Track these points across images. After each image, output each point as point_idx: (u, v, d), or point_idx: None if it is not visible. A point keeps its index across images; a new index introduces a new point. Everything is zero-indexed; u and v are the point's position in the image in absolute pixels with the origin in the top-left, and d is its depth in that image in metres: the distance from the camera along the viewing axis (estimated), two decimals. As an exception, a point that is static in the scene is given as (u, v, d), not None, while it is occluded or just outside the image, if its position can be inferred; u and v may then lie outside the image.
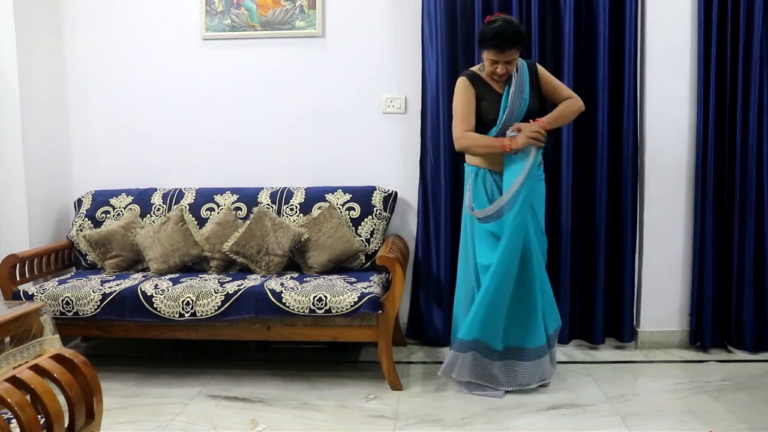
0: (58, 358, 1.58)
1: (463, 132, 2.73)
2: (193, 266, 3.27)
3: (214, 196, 3.42)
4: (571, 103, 2.77)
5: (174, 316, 2.83)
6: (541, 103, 2.81)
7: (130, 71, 3.61)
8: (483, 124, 2.74)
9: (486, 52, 2.62)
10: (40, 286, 2.98)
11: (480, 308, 2.67)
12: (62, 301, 2.88)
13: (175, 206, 3.39)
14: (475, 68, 2.80)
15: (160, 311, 2.83)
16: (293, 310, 2.77)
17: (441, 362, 3.15)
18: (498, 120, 2.67)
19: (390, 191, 3.38)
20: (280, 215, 3.30)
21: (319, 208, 3.30)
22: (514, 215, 2.61)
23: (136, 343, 3.46)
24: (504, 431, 2.44)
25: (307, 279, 2.99)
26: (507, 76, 2.66)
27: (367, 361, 3.18)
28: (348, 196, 3.33)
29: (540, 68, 2.79)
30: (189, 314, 2.82)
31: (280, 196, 3.38)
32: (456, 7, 3.25)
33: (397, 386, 2.82)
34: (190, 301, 2.82)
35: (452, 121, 2.80)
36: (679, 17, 3.17)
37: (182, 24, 3.55)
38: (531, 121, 2.69)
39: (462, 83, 2.75)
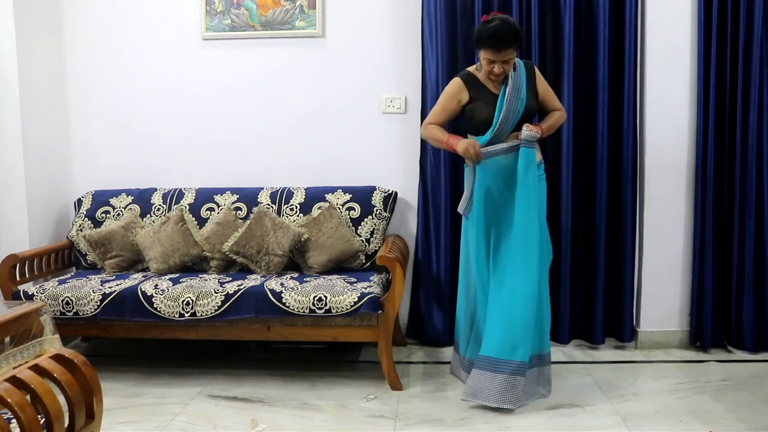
0: (58, 358, 1.58)
1: (427, 124, 2.83)
2: (193, 266, 3.27)
3: (214, 196, 3.42)
4: (561, 115, 2.85)
5: (174, 316, 2.83)
6: (537, 103, 2.81)
7: (130, 71, 3.61)
8: (476, 125, 2.73)
9: (483, 52, 2.62)
10: (40, 286, 2.98)
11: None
12: (62, 301, 2.88)
13: (175, 206, 3.39)
14: (471, 68, 2.80)
15: (160, 311, 2.83)
16: (293, 310, 2.77)
17: (441, 362, 3.17)
18: (494, 120, 2.66)
19: (390, 191, 3.38)
20: (280, 215, 3.30)
21: (319, 208, 3.30)
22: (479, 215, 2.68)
23: (136, 343, 3.46)
24: (504, 431, 2.44)
25: (307, 279, 2.99)
26: (504, 75, 2.66)
27: (367, 361, 3.18)
28: (348, 196, 3.33)
29: (537, 70, 2.79)
30: (189, 314, 2.82)
31: (280, 196, 3.38)
32: (456, 7, 3.25)
33: (397, 386, 2.82)
34: (190, 301, 2.82)
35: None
36: (679, 17, 3.17)
37: (182, 24, 3.55)
38: (534, 124, 2.70)
39: (455, 85, 2.76)
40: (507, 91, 2.65)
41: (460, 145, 2.65)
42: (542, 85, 2.79)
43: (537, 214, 2.66)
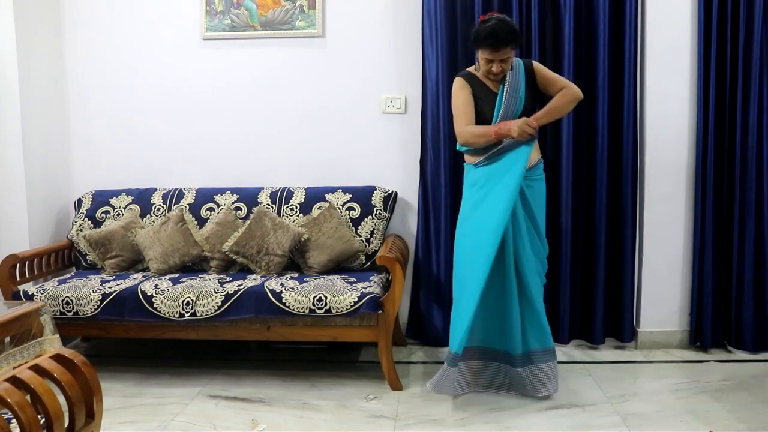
0: (58, 358, 1.58)
1: (462, 127, 2.71)
2: (193, 266, 3.27)
3: (214, 196, 3.42)
4: (564, 93, 2.69)
5: (174, 316, 2.83)
6: (538, 102, 2.80)
7: (130, 71, 3.61)
8: (479, 124, 2.73)
9: (481, 51, 2.62)
10: (40, 286, 2.98)
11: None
12: (62, 301, 2.88)
13: (175, 206, 3.39)
14: (470, 69, 2.79)
15: (160, 311, 2.83)
16: (293, 310, 2.77)
17: (441, 362, 3.16)
18: (493, 120, 2.66)
19: (390, 191, 3.38)
20: (280, 215, 3.30)
21: (319, 208, 3.30)
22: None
23: (136, 343, 3.46)
24: (504, 431, 2.44)
25: (307, 279, 2.99)
26: (502, 74, 2.65)
27: (367, 361, 3.18)
28: (348, 196, 3.33)
29: (536, 65, 2.74)
30: (189, 314, 2.82)
31: (280, 196, 3.38)
32: (456, 7, 3.25)
33: (397, 386, 2.82)
34: (190, 301, 2.82)
35: (453, 121, 2.78)
36: (679, 17, 3.17)
37: (182, 24, 3.55)
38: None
39: (458, 82, 2.76)
40: (504, 90, 2.65)
41: (514, 130, 2.55)
42: (542, 76, 2.72)
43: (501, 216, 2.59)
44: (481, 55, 2.62)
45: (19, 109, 3.25)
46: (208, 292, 2.84)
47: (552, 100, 2.71)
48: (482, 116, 2.70)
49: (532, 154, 2.72)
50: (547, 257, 2.81)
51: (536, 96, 2.75)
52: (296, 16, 3.48)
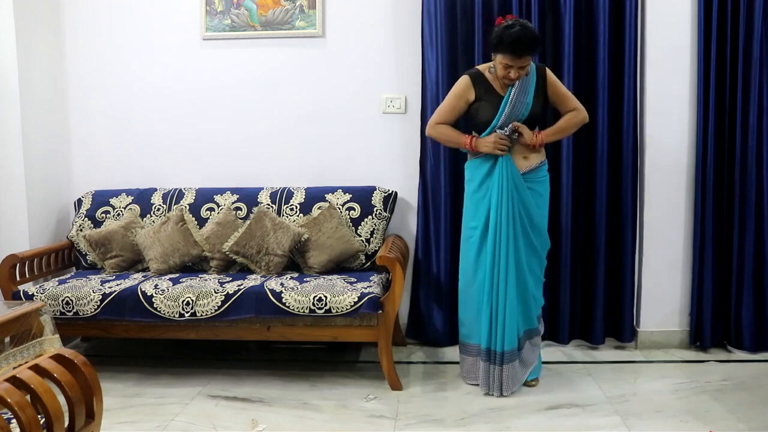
0: (58, 358, 1.58)
1: (435, 123, 2.81)
2: (193, 266, 3.27)
3: (214, 196, 3.42)
4: (573, 116, 2.76)
5: (174, 316, 2.83)
6: (544, 108, 2.80)
7: (130, 71, 3.61)
8: (477, 124, 2.73)
9: (501, 56, 2.57)
10: (40, 286, 2.98)
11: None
12: (62, 301, 2.88)
13: (175, 206, 3.39)
14: (482, 67, 2.76)
15: (160, 311, 2.83)
16: (293, 310, 2.77)
17: (441, 362, 3.18)
18: (493, 122, 2.66)
19: (390, 191, 3.38)
20: (280, 215, 3.30)
21: (319, 208, 3.30)
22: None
23: (136, 343, 3.46)
24: (504, 431, 2.44)
25: (307, 279, 2.99)
26: (519, 80, 2.63)
27: (367, 361, 3.18)
28: (348, 196, 3.33)
29: (549, 73, 2.74)
30: (189, 314, 2.82)
31: (280, 196, 3.38)
32: (456, 7, 3.25)
33: (397, 386, 2.82)
34: (190, 301, 2.82)
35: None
36: (679, 17, 3.17)
37: (182, 24, 3.55)
38: (536, 130, 2.70)
39: (462, 83, 2.74)
40: (511, 94, 2.63)
41: (485, 147, 2.66)
42: (554, 89, 2.74)
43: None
44: (500, 60, 2.58)
45: (19, 109, 3.25)
46: (208, 292, 2.84)
47: (561, 122, 2.77)
48: (481, 117, 2.70)
49: (535, 156, 2.72)
50: (547, 255, 2.82)
51: (545, 102, 2.75)
52: (296, 16, 3.48)
